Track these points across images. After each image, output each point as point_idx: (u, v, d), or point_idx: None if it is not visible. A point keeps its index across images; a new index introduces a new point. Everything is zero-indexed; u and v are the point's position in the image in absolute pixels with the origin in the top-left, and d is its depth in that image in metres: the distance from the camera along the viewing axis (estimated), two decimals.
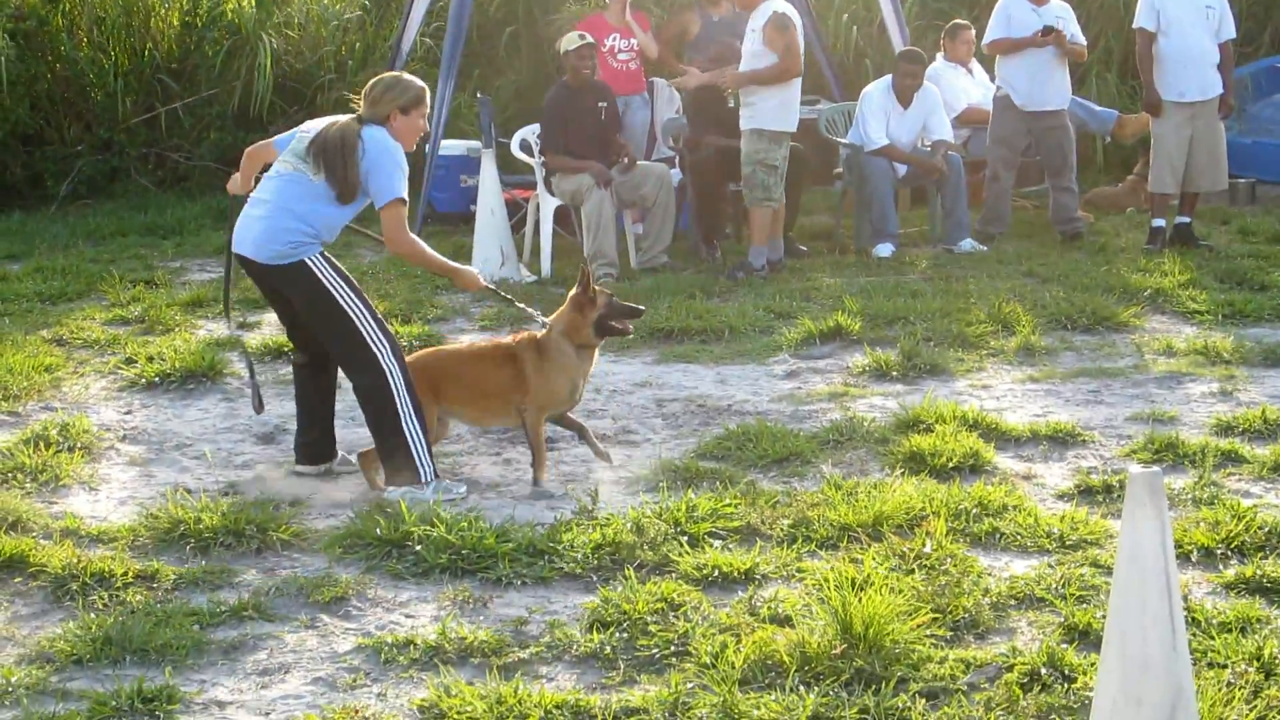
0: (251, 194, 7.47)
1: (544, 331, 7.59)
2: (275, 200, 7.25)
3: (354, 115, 7.29)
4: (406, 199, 7.24)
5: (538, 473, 7.45)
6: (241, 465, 7.88)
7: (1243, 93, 15.27)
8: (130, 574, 6.16)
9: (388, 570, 6.27)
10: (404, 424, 7.18)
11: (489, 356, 7.70)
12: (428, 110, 7.44)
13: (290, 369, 9.13)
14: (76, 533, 6.69)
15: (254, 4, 17.31)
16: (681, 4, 15.67)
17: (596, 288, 7.62)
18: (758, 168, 11.86)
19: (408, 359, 7.49)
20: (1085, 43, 13.77)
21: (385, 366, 7.18)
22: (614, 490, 7.27)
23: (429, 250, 7.49)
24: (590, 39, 12.68)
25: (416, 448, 7.19)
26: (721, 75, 12.20)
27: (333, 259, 7.32)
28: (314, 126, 7.35)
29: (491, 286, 8.12)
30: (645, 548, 6.31)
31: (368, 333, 7.19)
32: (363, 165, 7.13)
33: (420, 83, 7.40)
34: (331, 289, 7.20)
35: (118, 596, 6.00)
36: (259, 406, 7.94)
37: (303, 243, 7.19)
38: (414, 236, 7.37)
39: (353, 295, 7.23)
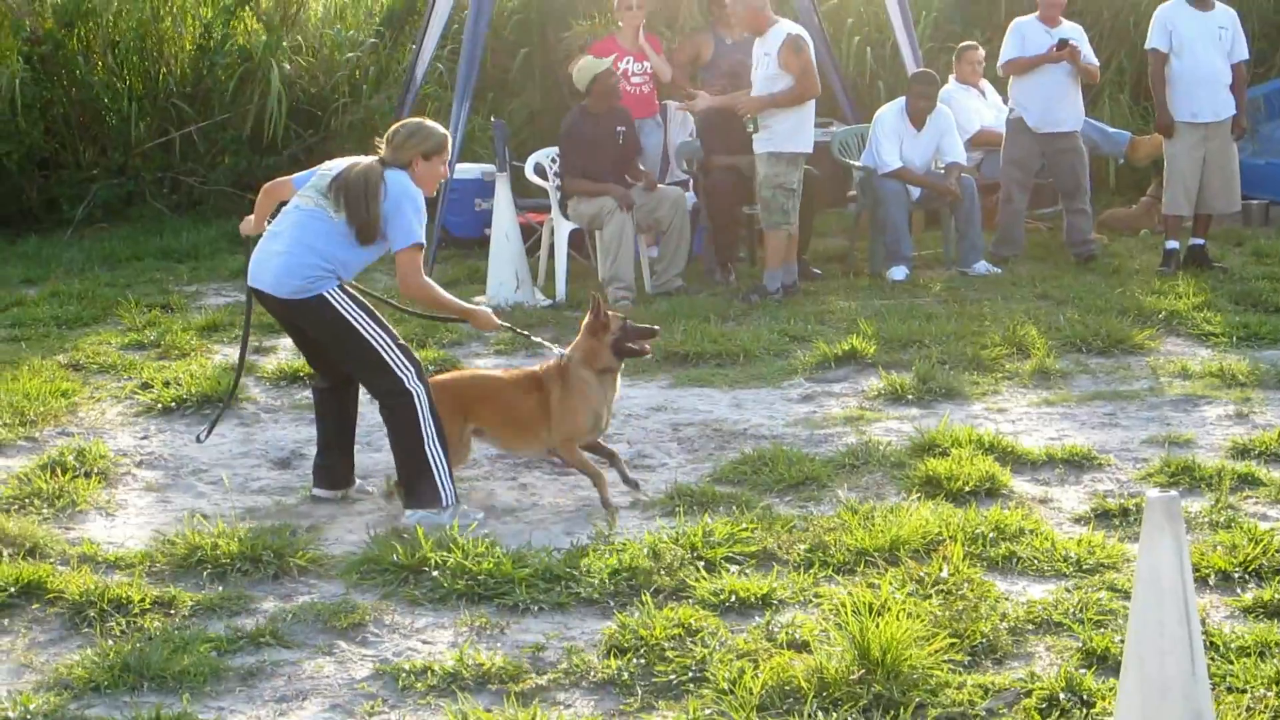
0: (269, 226, 7.50)
1: (565, 360, 7.63)
2: (294, 235, 7.27)
3: (376, 158, 7.33)
4: (424, 244, 7.29)
5: (602, 494, 7.49)
6: (258, 490, 7.89)
7: (1256, 114, 15.26)
8: (147, 600, 6.17)
9: (405, 596, 6.27)
10: (427, 447, 7.21)
11: (518, 383, 7.76)
12: (449, 157, 7.49)
13: (306, 394, 9.20)
14: (93, 559, 6.71)
15: (264, 30, 17.40)
16: (695, 27, 15.69)
17: (610, 312, 7.67)
18: (776, 191, 11.87)
19: (438, 379, 7.62)
20: (1098, 63, 13.77)
21: (411, 388, 7.21)
22: (630, 515, 7.28)
23: (443, 293, 7.51)
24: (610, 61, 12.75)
25: (438, 471, 7.21)
26: (735, 100, 12.21)
27: (349, 288, 7.34)
28: (336, 165, 7.40)
29: (506, 325, 8.17)
30: (662, 573, 6.32)
31: (391, 358, 7.22)
32: (384, 207, 7.17)
33: (443, 130, 7.46)
34: (352, 319, 7.22)
35: (135, 623, 6.01)
36: (204, 435, 8.02)
37: (321, 277, 7.22)
38: (428, 280, 7.38)
39: (373, 323, 7.25)
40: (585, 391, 7.56)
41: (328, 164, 7.49)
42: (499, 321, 7.88)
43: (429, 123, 7.50)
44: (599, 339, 7.60)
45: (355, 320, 7.22)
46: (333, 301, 7.22)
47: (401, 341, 7.34)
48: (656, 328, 8.07)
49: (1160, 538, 4.18)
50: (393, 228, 7.20)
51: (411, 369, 7.24)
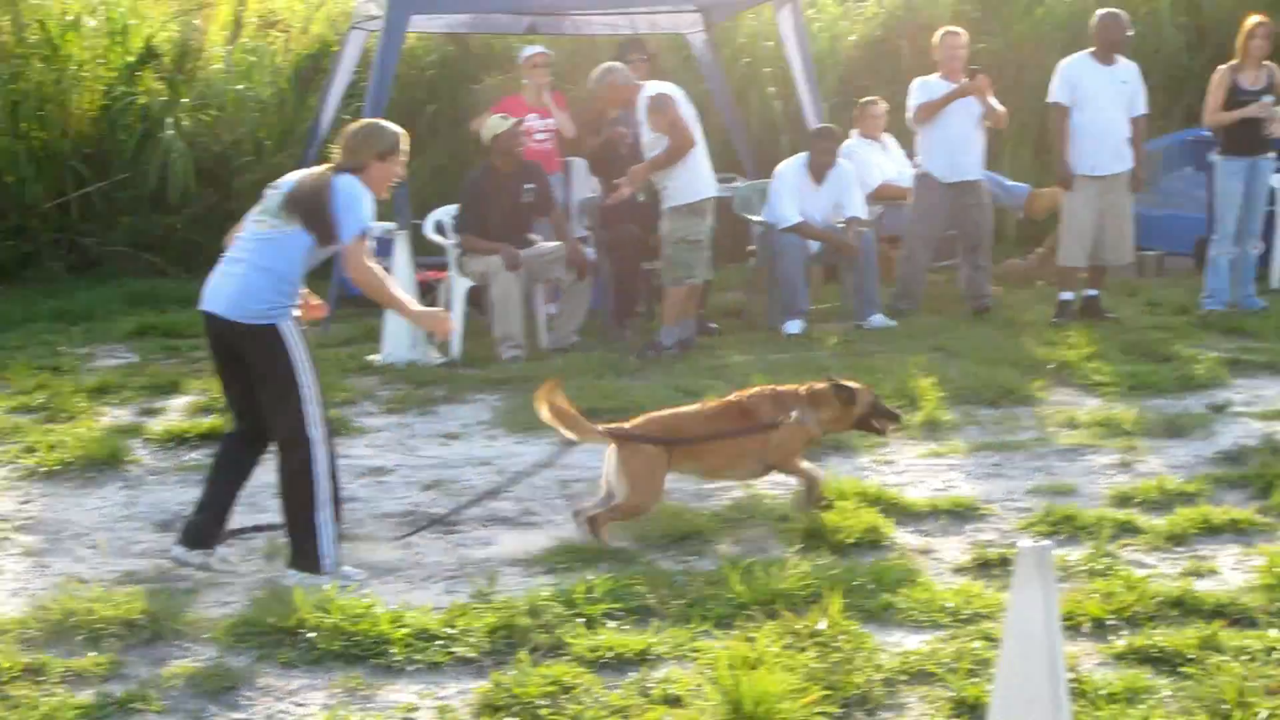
0: (228, 253, 7.41)
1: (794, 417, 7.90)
2: (251, 260, 7.20)
3: (328, 165, 7.32)
4: (369, 231, 7.21)
5: (814, 494, 7.86)
6: (139, 554, 7.77)
7: (1154, 166, 15.44)
8: (16, 668, 6.04)
9: (280, 658, 6.17)
10: (316, 512, 7.16)
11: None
12: (404, 157, 7.46)
13: (193, 455, 9.15)
14: None
15: (165, 88, 17.33)
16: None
17: (858, 387, 8.02)
18: (679, 246, 11.88)
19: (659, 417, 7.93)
20: (1004, 110, 13.84)
21: (314, 453, 7.15)
22: (512, 574, 7.22)
23: (390, 285, 7.46)
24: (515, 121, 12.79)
25: (323, 537, 7.15)
26: (629, 175, 12.18)
27: (303, 334, 7.28)
28: (284, 182, 7.36)
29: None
30: (540, 630, 6.27)
31: (310, 414, 7.16)
32: (333, 210, 7.12)
33: (397, 129, 7.45)
34: (295, 361, 7.15)
35: (2, 692, 5.89)
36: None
37: (279, 304, 7.17)
38: (375, 266, 7.32)
39: (310, 374, 7.19)
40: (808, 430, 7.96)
41: (277, 181, 7.45)
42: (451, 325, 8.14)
43: (383, 122, 7.51)
44: (848, 411, 7.99)
45: (297, 363, 7.15)
46: (284, 336, 7.16)
47: (324, 402, 7.28)
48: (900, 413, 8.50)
49: (1029, 588, 4.18)
50: (342, 227, 7.13)
51: (321, 430, 7.19)
